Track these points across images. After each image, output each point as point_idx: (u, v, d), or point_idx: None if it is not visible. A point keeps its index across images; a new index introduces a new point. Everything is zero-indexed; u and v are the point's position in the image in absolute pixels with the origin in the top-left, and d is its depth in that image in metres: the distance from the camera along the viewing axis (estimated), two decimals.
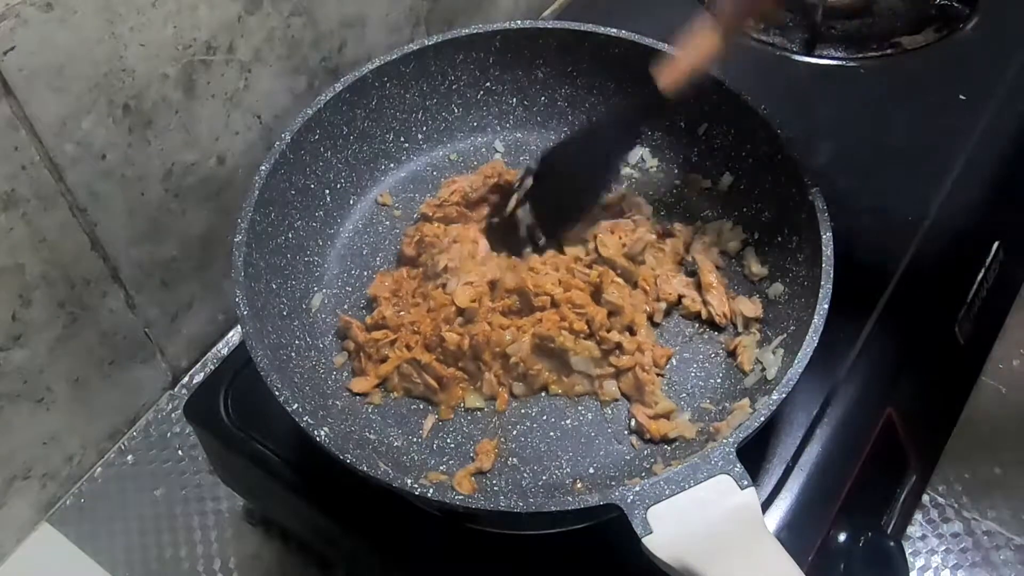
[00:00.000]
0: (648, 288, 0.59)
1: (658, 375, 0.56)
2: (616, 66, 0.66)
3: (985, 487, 0.67)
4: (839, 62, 0.77)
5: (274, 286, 0.56)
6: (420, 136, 0.67)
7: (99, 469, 0.68)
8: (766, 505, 0.52)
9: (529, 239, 0.60)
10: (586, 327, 0.56)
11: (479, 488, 0.51)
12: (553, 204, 0.61)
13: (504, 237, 0.61)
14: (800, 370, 0.47)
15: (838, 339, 0.55)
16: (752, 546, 0.41)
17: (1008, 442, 0.69)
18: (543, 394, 0.56)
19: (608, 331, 0.56)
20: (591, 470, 0.53)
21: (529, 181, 0.61)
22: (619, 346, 0.56)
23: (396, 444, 0.54)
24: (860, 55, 0.77)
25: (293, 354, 0.55)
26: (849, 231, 0.62)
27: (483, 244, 0.61)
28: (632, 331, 0.57)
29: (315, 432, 0.46)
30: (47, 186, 0.55)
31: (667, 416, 0.54)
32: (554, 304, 0.57)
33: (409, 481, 0.45)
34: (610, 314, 0.57)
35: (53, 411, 0.62)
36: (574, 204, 0.61)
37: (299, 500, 0.54)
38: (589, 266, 0.59)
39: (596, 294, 0.58)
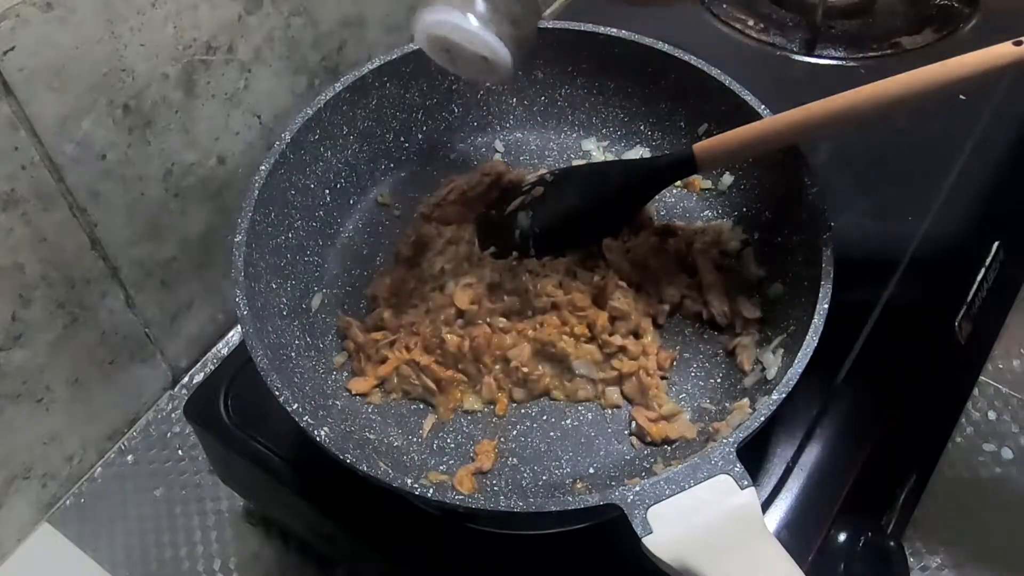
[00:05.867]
0: (651, 291, 0.59)
1: (662, 378, 0.56)
2: (616, 66, 0.66)
3: (985, 487, 0.67)
4: (839, 62, 0.77)
5: (274, 286, 0.56)
6: (420, 136, 0.67)
7: (99, 469, 0.68)
8: (766, 505, 0.52)
9: (521, 246, 0.60)
10: (587, 331, 0.56)
11: (479, 488, 0.52)
12: (554, 225, 0.60)
13: (496, 234, 0.61)
14: (800, 370, 0.47)
15: (838, 339, 0.55)
16: (752, 546, 0.41)
17: (1008, 442, 0.69)
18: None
19: (611, 335, 0.56)
20: (591, 470, 0.53)
21: (540, 190, 0.61)
22: (622, 349, 0.56)
23: (396, 444, 0.54)
24: (860, 55, 0.77)
25: (293, 354, 0.55)
26: (849, 231, 0.62)
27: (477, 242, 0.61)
28: (637, 335, 0.57)
29: (315, 432, 0.46)
30: (47, 186, 0.55)
31: (670, 419, 0.54)
32: (555, 307, 0.57)
33: (409, 481, 0.45)
34: (614, 319, 0.57)
35: (53, 411, 0.62)
36: (574, 234, 0.60)
37: (299, 500, 0.54)
38: (591, 270, 0.59)
39: (598, 297, 0.58)
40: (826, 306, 0.50)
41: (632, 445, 0.54)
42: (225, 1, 0.60)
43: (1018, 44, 0.48)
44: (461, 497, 0.48)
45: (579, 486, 0.52)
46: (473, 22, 0.48)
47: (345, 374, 0.57)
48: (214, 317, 0.73)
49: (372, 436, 0.54)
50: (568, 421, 0.55)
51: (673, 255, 0.60)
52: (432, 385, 0.55)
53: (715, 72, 0.62)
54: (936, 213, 0.64)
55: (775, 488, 0.52)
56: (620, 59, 0.65)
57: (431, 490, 0.45)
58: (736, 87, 0.61)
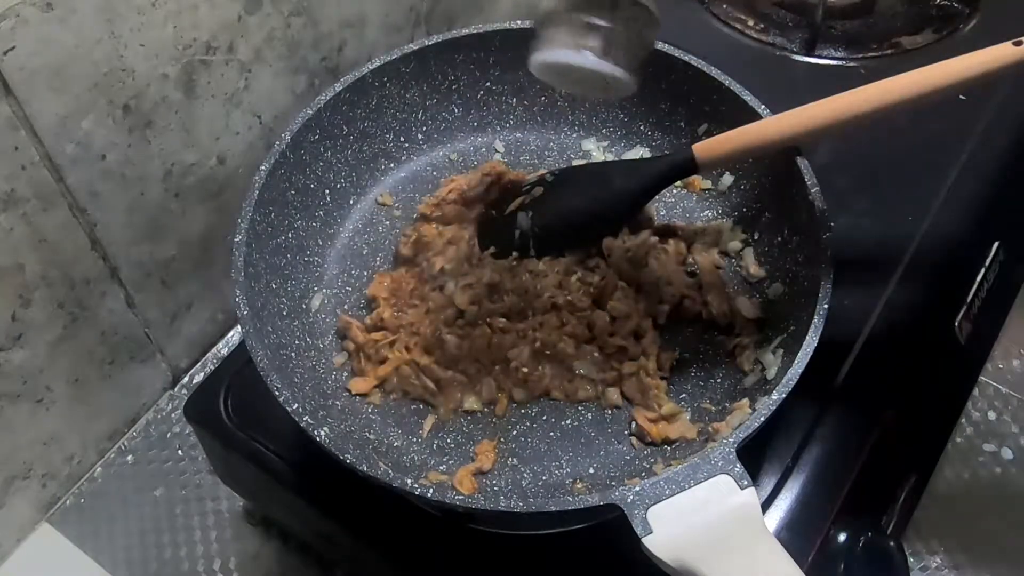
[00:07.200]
0: (651, 291, 0.59)
1: (662, 379, 0.56)
2: None
3: (985, 487, 0.67)
4: (839, 62, 0.77)
5: (274, 286, 0.56)
6: (420, 136, 0.67)
7: (99, 469, 0.68)
8: (766, 505, 0.52)
9: (521, 246, 0.60)
10: (587, 331, 0.56)
11: (479, 488, 0.51)
12: (554, 225, 0.60)
13: (496, 234, 0.61)
14: (800, 370, 0.47)
15: (838, 339, 0.55)
16: (752, 546, 0.41)
17: (1008, 442, 0.69)
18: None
19: (611, 335, 0.56)
20: (591, 470, 0.53)
21: (539, 190, 0.61)
22: (622, 350, 0.56)
23: (396, 444, 0.54)
24: (860, 55, 0.77)
25: (293, 354, 0.55)
26: (849, 231, 0.62)
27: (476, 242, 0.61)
28: (637, 336, 0.57)
29: (315, 432, 0.46)
30: (47, 186, 0.55)
31: (670, 419, 0.54)
32: (555, 307, 0.57)
33: (409, 481, 0.45)
34: (615, 319, 0.57)
35: (53, 411, 0.62)
36: (574, 234, 0.60)
37: (299, 500, 0.54)
38: (591, 270, 0.59)
39: (598, 297, 0.58)
40: (826, 306, 0.50)
41: (632, 445, 0.54)
42: (225, 1, 0.60)
43: (1018, 44, 0.48)
44: (461, 497, 0.48)
45: (579, 486, 0.52)
46: (593, 60, 0.47)
47: (345, 374, 0.57)
48: (214, 317, 0.74)
49: (372, 436, 0.54)
50: (568, 421, 0.55)
51: (673, 255, 0.60)
52: (432, 385, 0.55)
53: (715, 72, 0.62)
54: (936, 213, 0.64)
55: (775, 488, 0.52)
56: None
57: (431, 490, 0.45)
58: (736, 87, 0.61)
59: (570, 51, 0.47)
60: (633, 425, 0.54)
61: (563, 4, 0.47)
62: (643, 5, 0.47)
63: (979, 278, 0.64)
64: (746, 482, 0.43)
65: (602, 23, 0.47)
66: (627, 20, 0.47)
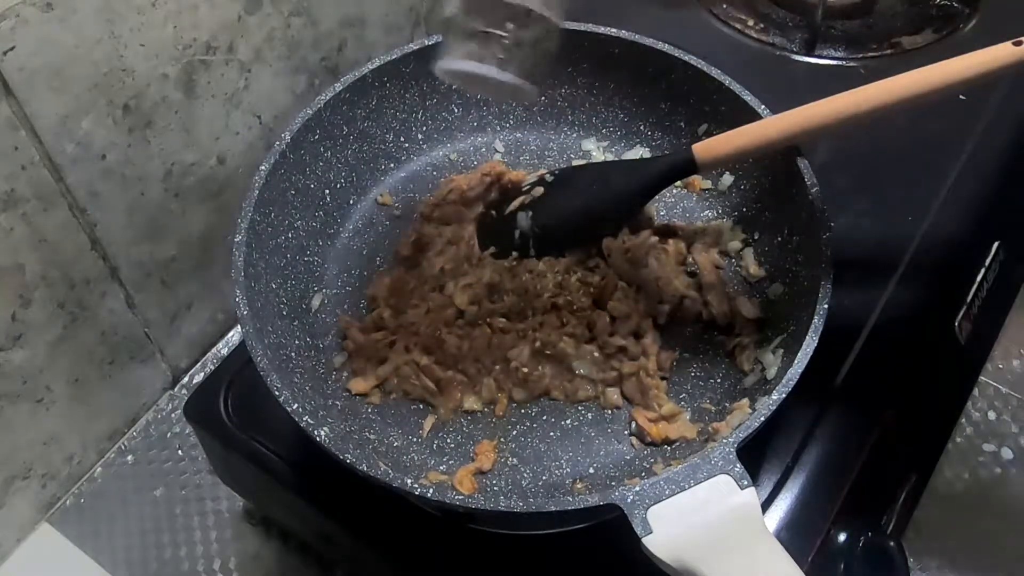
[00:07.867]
0: (651, 290, 0.59)
1: (662, 379, 0.56)
2: (616, 66, 0.66)
3: (985, 487, 0.67)
4: (839, 62, 0.77)
5: (274, 286, 0.56)
6: (420, 136, 0.67)
7: (99, 469, 0.68)
8: (766, 505, 0.52)
9: (521, 246, 0.60)
10: (587, 331, 0.56)
11: (479, 488, 0.52)
12: (554, 225, 0.60)
13: (495, 234, 0.61)
14: (800, 370, 0.47)
15: (838, 339, 0.55)
16: (752, 546, 0.41)
17: (1008, 442, 0.69)
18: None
19: (611, 335, 0.56)
20: (591, 470, 0.53)
21: (539, 190, 0.61)
22: (622, 350, 0.56)
23: (396, 444, 0.54)
24: (860, 55, 0.77)
25: (293, 354, 0.55)
26: (849, 231, 0.62)
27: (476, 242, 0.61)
28: (637, 336, 0.57)
29: (315, 432, 0.46)
30: (47, 186, 0.55)
31: (670, 419, 0.54)
32: (555, 307, 0.57)
33: (409, 481, 0.45)
34: (615, 319, 0.57)
35: (53, 411, 0.62)
36: (574, 234, 0.60)
37: (299, 500, 0.54)
38: (591, 270, 0.59)
39: (598, 297, 0.58)
40: (826, 306, 0.50)
41: (632, 445, 0.54)
42: (225, 1, 0.60)
43: (1018, 44, 0.49)
44: (461, 497, 0.48)
45: (579, 486, 0.52)
46: (493, 70, 0.48)
47: (345, 374, 0.57)
48: (214, 317, 0.74)
49: (372, 436, 0.54)
50: (568, 421, 0.55)
51: (673, 255, 0.60)
52: (432, 385, 0.55)
53: (715, 72, 0.62)
54: (936, 213, 0.64)
55: (775, 488, 0.52)
56: (620, 59, 0.65)
57: (431, 490, 0.45)
58: (736, 87, 0.61)
59: (471, 61, 0.48)
60: (633, 425, 0.54)
61: (463, 12, 0.48)
62: (542, 16, 0.48)
63: (979, 278, 0.64)
64: (746, 482, 0.43)
65: (500, 33, 0.47)
66: (526, 30, 0.48)
